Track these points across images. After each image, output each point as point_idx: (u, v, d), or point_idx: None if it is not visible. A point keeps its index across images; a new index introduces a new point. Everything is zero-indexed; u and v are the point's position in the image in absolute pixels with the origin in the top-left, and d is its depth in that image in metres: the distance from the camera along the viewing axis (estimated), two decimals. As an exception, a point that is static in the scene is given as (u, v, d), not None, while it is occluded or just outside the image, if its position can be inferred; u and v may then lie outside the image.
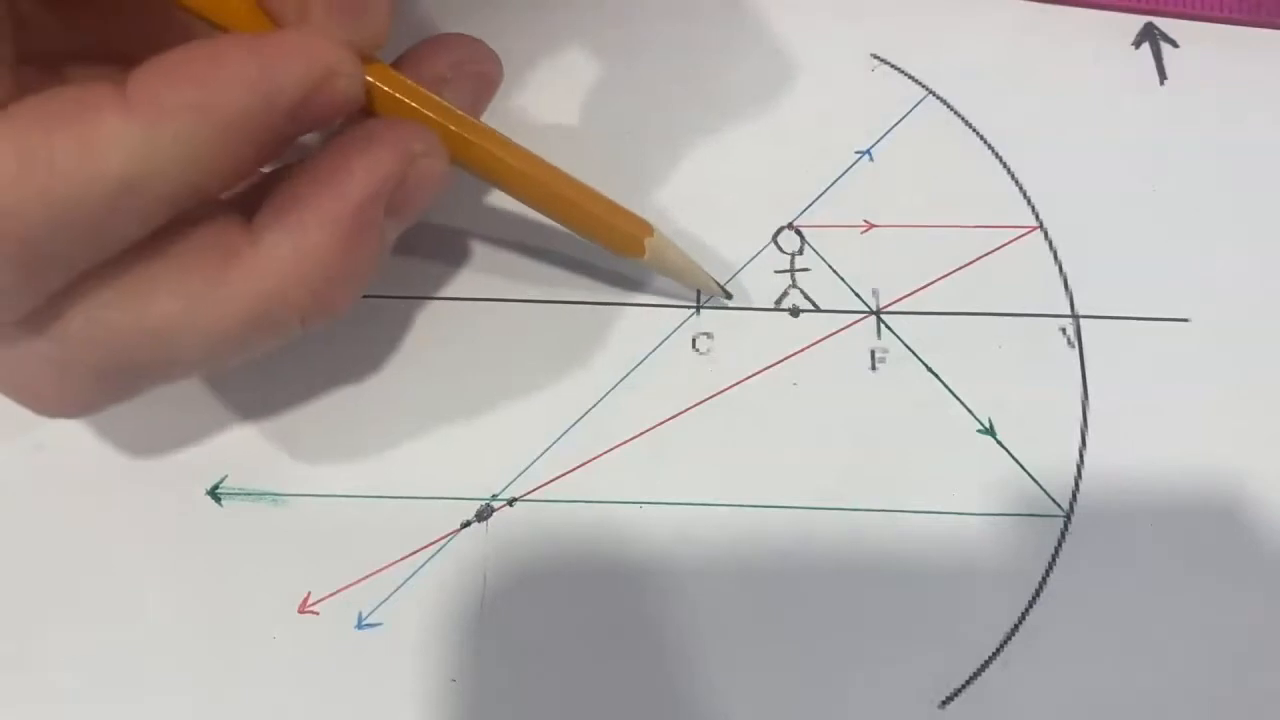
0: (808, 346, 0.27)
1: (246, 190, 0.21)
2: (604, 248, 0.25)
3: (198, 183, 0.18)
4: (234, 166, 0.19)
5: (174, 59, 0.18)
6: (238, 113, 0.18)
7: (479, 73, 0.24)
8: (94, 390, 0.21)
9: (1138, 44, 0.31)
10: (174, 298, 0.19)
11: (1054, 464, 0.26)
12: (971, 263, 0.28)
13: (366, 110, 0.21)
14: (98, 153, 0.17)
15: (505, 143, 0.23)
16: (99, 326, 0.19)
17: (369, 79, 0.21)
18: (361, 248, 0.20)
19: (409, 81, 0.22)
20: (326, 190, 0.20)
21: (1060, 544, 0.26)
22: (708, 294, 0.27)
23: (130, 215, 0.18)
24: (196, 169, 0.18)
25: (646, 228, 0.25)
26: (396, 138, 0.21)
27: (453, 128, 0.22)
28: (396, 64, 0.23)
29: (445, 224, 0.28)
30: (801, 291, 0.28)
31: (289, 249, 0.20)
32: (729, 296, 0.27)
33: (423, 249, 0.28)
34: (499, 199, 0.28)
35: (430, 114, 0.22)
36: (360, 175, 0.20)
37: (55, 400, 0.21)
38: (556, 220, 0.24)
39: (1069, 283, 0.28)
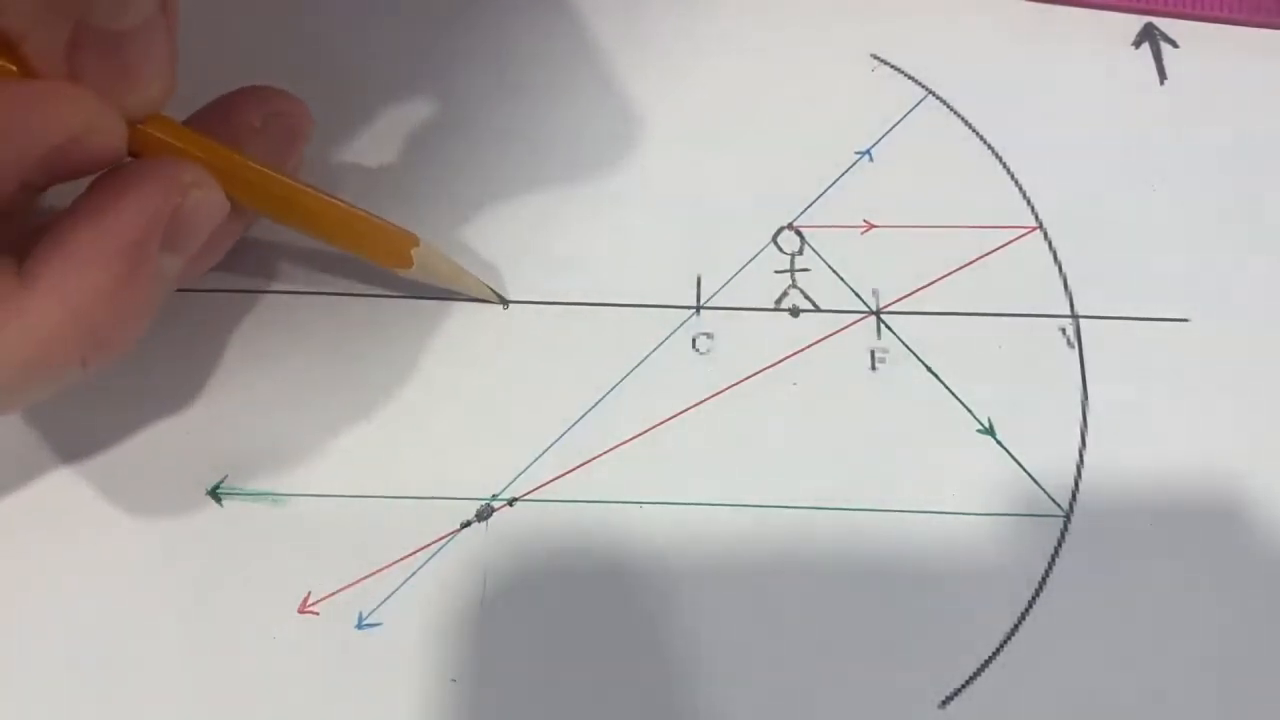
0: (808, 346, 0.27)
1: (17, 236, 0.21)
2: (375, 263, 0.25)
3: None
4: None
5: None
6: None
7: (288, 125, 0.25)
8: None
9: (1138, 44, 0.31)
10: None
11: (1054, 464, 0.26)
12: (971, 263, 0.28)
13: (139, 155, 0.21)
14: None
15: (274, 176, 0.23)
16: None
17: (145, 129, 0.21)
18: (137, 285, 0.20)
19: (179, 126, 0.22)
20: (95, 229, 0.20)
21: (1060, 544, 0.26)
22: (482, 298, 0.27)
23: None
24: None
25: (412, 239, 0.25)
26: (162, 172, 0.21)
27: (220, 162, 0.22)
28: (205, 110, 0.24)
29: (446, 224, 0.28)
30: (801, 291, 0.28)
31: (61, 292, 0.19)
32: (505, 304, 0.27)
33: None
34: (496, 201, 0.28)
35: (197, 152, 0.22)
36: (129, 211, 0.20)
37: None
38: (330, 242, 0.25)
39: (1069, 283, 0.28)
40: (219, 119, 0.23)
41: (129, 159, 0.21)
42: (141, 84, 0.20)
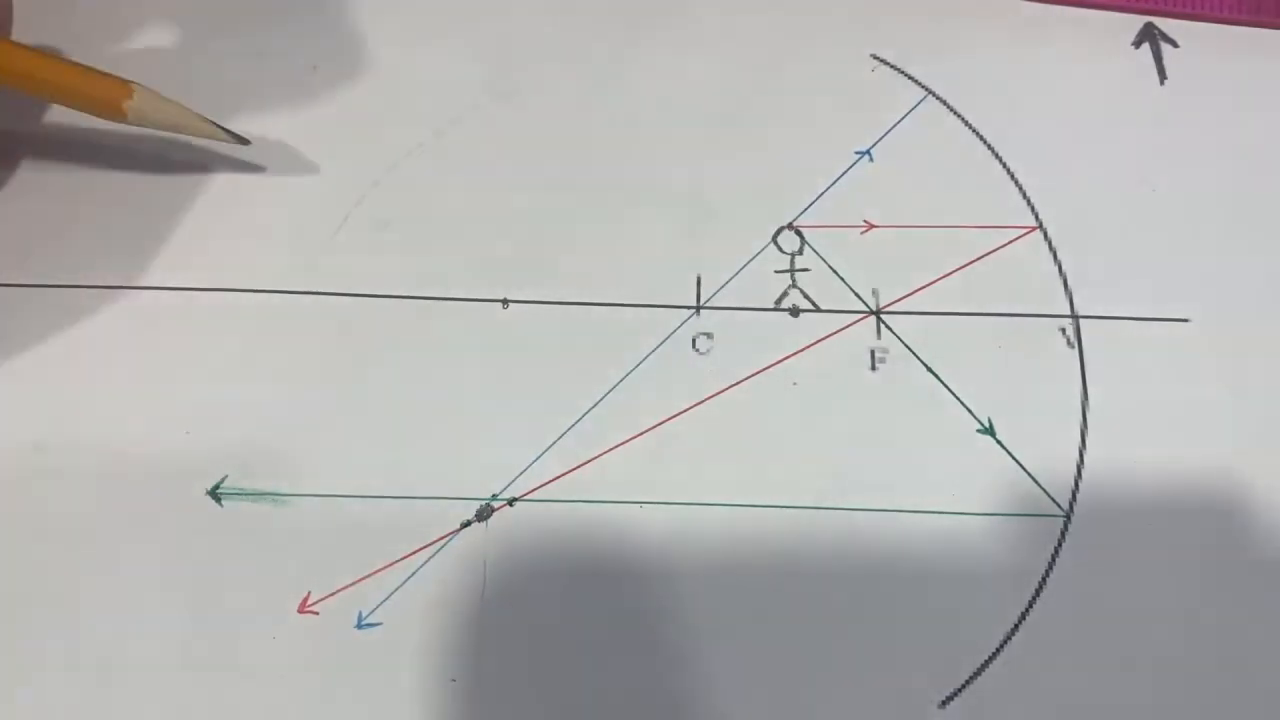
0: (808, 346, 0.27)
1: None
2: (90, 114, 0.25)
3: None
4: None
5: None
6: None
7: None
8: None
9: (1138, 44, 0.31)
10: None
11: (1054, 464, 0.26)
12: (971, 263, 0.28)
13: None
14: None
15: None
16: None
17: None
18: None
19: None
20: None
21: (1060, 544, 0.26)
22: (214, 139, 0.26)
23: None
24: None
25: (126, 90, 0.25)
26: None
27: None
28: None
29: (443, 225, 0.28)
30: (801, 291, 0.28)
31: None
32: (246, 142, 0.27)
33: (422, 249, 0.28)
34: (496, 202, 0.28)
35: None
36: None
37: None
38: (42, 98, 0.25)
39: (1069, 283, 0.28)
40: None
41: None
42: None
